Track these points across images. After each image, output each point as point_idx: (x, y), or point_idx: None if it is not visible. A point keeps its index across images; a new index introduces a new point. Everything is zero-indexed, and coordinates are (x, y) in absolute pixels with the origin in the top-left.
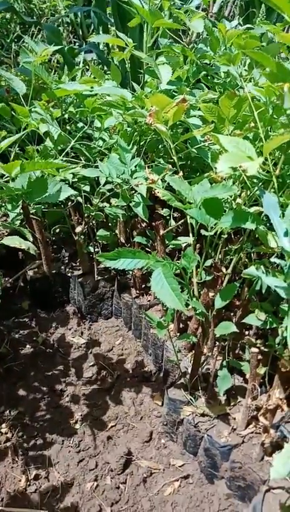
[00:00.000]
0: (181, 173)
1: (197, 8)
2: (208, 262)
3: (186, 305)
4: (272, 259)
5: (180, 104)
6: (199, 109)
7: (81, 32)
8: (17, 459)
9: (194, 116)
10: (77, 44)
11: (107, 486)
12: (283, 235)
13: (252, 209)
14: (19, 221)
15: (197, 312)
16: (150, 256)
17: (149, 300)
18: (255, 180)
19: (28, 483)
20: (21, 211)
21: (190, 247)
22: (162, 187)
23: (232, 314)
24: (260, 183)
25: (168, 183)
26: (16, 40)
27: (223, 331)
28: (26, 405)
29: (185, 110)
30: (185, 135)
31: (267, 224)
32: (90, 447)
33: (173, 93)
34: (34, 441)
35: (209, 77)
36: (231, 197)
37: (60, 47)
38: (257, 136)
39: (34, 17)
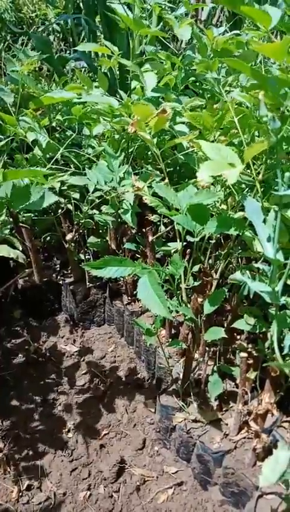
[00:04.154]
0: (167, 179)
1: (186, 15)
2: (196, 268)
3: (176, 311)
4: (256, 265)
5: (160, 115)
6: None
7: (71, 40)
8: (9, 470)
9: (181, 123)
10: (68, 52)
11: (100, 496)
12: (265, 240)
13: (237, 215)
14: (8, 230)
15: (187, 318)
16: (137, 263)
17: (141, 307)
18: (243, 186)
19: (20, 494)
20: (10, 219)
21: (177, 254)
22: (151, 193)
23: (223, 318)
24: (247, 189)
25: None
26: (6, 49)
27: (213, 337)
28: (19, 415)
29: (166, 120)
30: (169, 142)
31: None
32: (83, 456)
33: (161, 100)
34: (26, 451)
35: (198, 83)
36: (217, 202)
37: (46, 55)
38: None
39: (24, 26)
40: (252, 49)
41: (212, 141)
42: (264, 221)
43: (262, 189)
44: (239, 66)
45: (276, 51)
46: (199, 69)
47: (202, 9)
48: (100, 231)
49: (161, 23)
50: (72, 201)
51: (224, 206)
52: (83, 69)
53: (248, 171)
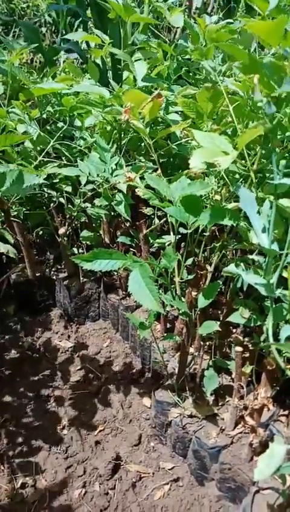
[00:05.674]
0: (159, 170)
1: (180, 5)
2: (190, 261)
3: (171, 305)
4: (251, 256)
5: (155, 99)
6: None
7: (64, 32)
8: (3, 468)
9: (174, 112)
10: (60, 44)
11: (95, 493)
12: (260, 231)
13: (230, 206)
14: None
15: (181, 312)
16: (128, 256)
17: (136, 301)
18: (237, 176)
19: (15, 492)
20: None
21: (170, 247)
22: (144, 186)
23: (219, 312)
24: (242, 179)
25: None
26: None
27: (207, 330)
28: (12, 412)
29: (161, 105)
30: (162, 131)
31: None
32: (78, 453)
33: (153, 90)
34: (20, 448)
35: (191, 73)
36: (211, 193)
37: (36, 45)
38: (236, 130)
39: (15, 17)
40: (245, 31)
41: (206, 131)
42: (259, 211)
43: (256, 179)
44: (235, 51)
45: (271, 31)
46: (194, 57)
47: None
48: (93, 225)
49: (152, 14)
50: (64, 194)
51: (218, 197)
52: (76, 60)
53: (243, 161)
